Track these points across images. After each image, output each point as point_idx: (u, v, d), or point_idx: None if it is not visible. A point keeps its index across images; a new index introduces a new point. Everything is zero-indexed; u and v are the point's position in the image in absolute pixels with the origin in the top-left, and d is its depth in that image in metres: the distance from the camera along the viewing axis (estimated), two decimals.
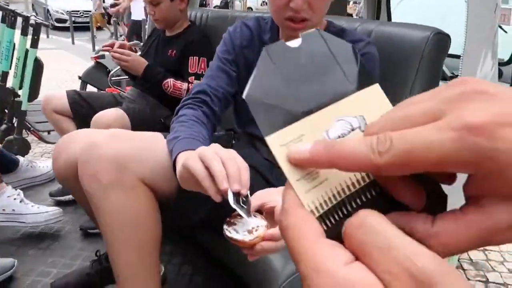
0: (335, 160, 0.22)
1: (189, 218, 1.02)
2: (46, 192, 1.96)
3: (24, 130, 2.80)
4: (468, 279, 1.82)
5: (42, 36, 3.06)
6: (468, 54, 1.07)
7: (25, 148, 2.74)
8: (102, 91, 2.65)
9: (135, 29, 7.43)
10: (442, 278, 0.17)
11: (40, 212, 1.64)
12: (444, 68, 2.29)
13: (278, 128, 0.24)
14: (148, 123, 1.71)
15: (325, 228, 0.23)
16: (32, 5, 13.57)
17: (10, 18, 2.94)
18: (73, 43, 9.20)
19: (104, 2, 11.15)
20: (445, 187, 0.24)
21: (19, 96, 2.80)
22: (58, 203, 1.88)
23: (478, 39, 1.16)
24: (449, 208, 0.23)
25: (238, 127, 1.31)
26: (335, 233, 0.22)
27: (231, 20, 1.76)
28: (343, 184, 0.24)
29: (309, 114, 0.25)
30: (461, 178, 0.22)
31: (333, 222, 0.23)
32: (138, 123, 1.67)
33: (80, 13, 11.87)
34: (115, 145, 0.93)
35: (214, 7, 11.80)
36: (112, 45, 1.77)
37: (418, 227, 0.22)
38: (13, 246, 1.60)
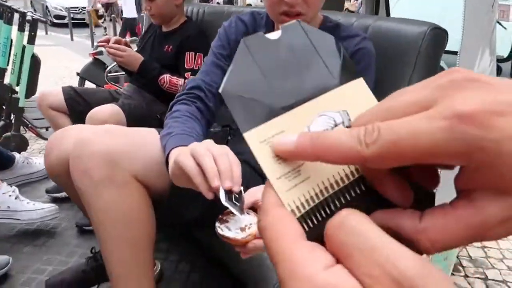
0: (320, 152, 0.21)
1: (182, 215, 1.01)
2: (43, 188, 1.96)
3: (22, 127, 2.79)
4: (467, 276, 1.81)
5: (41, 32, 3.05)
6: (465, 50, 1.06)
7: (23, 145, 2.73)
8: (99, 87, 2.64)
9: (128, 26, 7.42)
10: (424, 281, 0.16)
11: (35, 209, 1.63)
12: (443, 64, 2.28)
13: (256, 124, 0.23)
14: (144, 119, 1.70)
15: (307, 229, 0.22)
16: (31, 1, 13.52)
17: (7, 14, 2.92)
18: (72, 39, 9.18)
19: None
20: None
21: (16, 92, 2.79)
22: (55, 200, 1.88)
23: (476, 35, 1.15)
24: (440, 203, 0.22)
25: (234, 123, 1.30)
26: (317, 234, 0.21)
27: (228, 16, 1.75)
28: (326, 182, 0.23)
29: (290, 109, 0.24)
30: (453, 171, 0.21)
31: (316, 223, 0.22)
32: (134, 119, 1.67)
33: (79, 9, 11.84)
34: (107, 141, 0.92)
35: (217, 3, 11.77)
36: (107, 41, 1.76)
37: (404, 223, 0.21)
38: (8, 243, 1.59)
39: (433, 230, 0.20)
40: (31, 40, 2.70)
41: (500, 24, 2.49)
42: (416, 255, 0.17)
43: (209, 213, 0.81)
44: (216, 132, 1.33)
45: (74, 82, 3.28)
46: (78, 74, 3.14)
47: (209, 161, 0.73)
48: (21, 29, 2.78)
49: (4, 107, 2.90)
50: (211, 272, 1.44)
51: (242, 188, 0.75)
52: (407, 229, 0.20)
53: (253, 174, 0.97)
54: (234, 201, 0.73)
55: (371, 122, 0.20)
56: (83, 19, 11.08)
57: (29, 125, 2.83)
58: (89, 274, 1.32)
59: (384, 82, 1.13)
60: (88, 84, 3.08)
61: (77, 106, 1.86)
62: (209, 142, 0.79)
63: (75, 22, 10.47)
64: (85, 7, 11.05)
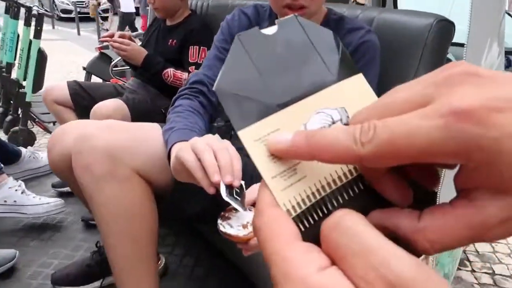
0: (316, 151, 0.20)
1: (184, 210, 1.01)
2: (49, 183, 1.98)
3: (29, 121, 2.81)
4: (474, 271, 1.80)
5: (48, 27, 3.06)
6: (472, 42, 1.03)
7: (30, 139, 2.76)
8: (106, 82, 2.65)
9: (125, 20, 7.43)
10: (420, 285, 0.16)
11: (41, 203, 1.64)
12: (451, 57, 2.25)
13: (251, 122, 0.23)
14: (149, 114, 1.70)
15: (303, 229, 0.21)
16: None
17: (13, 9, 2.94)
18: (78, 33, 9.22)
19: None
20: None
21: (23, 87, 2.81)
22: (60, 194, 1.89)
23: (483, 26, 1.12)
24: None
25: None
26: (314, 234, 0.20)
27: (232, 9, 1.72)
28: (323, 181, 0.22)
29: (286, 106, 0.24)
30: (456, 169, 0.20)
31: (312, 223, 0.21)
32: (138, 114, 1.67)
33: (86, 3, 11.88)
34: (109, 136, 0.92)
35: None
36: (111, 35, 1.76)
37: (402, 223, 0.20)
38: (15, 237, 1.61)
39: (431, 230, 0.19)
40: (37, 34, 2.71)
41: (509, 14, 2.44)
42: (412, 257, 0.17)
43: (211, 209, 0.81)
44: (220, 127, 1.33)
45: (81, 76, 3.29)
46: (84, 68, 3.15)
47: (209, 156, 0.73)
48: (27, 23, 2.79)
49: (12, 101, 2.93)
50: (216, 266, 1.45)
51: (243, 182, 0.74)
52: (405, 229, 0.20)
53: (257, 169, 0.97)
54: (235, 195, 0.72)
55: (368, 119, 0.20)
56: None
57: (36, 120, 2.85)
58: (93, 269, 1.33)
59: (389, 76, 1.11)
60: (95, 79, 3.10)
61: (82, 101, 1.87)
62: (210, 137, 0.79)
63: (82, 16, 10.52)
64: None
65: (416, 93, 0.19)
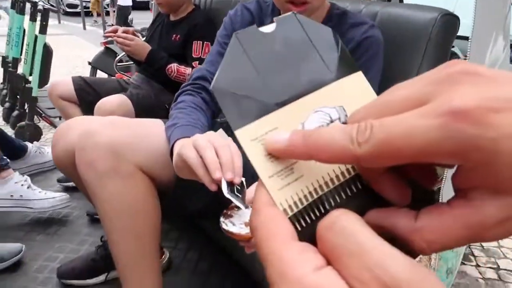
0: (313, 151, 0.20)
1: (186, 207, 1.02)
2: (54, 178, 1.99)
3: (35, 116, 2.82)
4: (479, 266, 1.79)
5: (54, 21, 3.06)
6: (477, 35, 1.02)
7: (36, 134, 2.78)
8: (111, 77, 2.65)
9: (122, 14, 7.40)
10: (415, 286, 0.16)
11: (47, 197, 1.66)
12: (457, 50, 2.23)
13: (249, 121, 0.23)
14: (152, 109, 1.70)
15: (299, 228, 0.21)
16: None
17: (19, 4, 2.95)
18: (84, 28, 9.23)
19: None
20: None
21: (29, 82, 2.83)
22: (66, 189, 1.91)
23: (488, 18, 1.11)
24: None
25: None
26: (310, 234, 0.20)
27: (235, 3, 1.72)
28: (320, 181, 0.22)
29: (284, 105, 0.23)
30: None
31: (309, 222, 0.21)
32: (142, 109, 1.67)
33: None
34: (112, 132, 0.92)
35: None
36: (115, 31, 1.76)
37: (399, 222, 0.20)
38: (21, 231, 1.63)
39: (429, 230, 0.19)
40: (43, 30, 2.72)
41: None
42: (407, 258, 0.17)
43: (213, 206, 0.81)
44: (223, 122, 1.33)
45: (87, 71, 3.30)
46: (90, 63, 3.16)
47: (210, 153, 0.73)
48: (32, 18, 2.80)
49: (18, 96, 2.95)
50: (219, 261, 1.46)
51: (243, 179, 0.74)
52: (402, 228, 0.20)
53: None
54: (236, 193, 0.73)
55: (366, 118, 0.19)
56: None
57: (43, 115, 2.87)
58: (98, 263, 1.34)
59: (393, 71, 1.10)
60: (100, 73, 3.11)
61: (86, 96, 1.87)
62: (211, 134, 0.79)
63: (88, 10, 10.52)
64: None
65: (416, 92, 0.19)
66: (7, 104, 3.14)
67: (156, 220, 0.99)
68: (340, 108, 0.24)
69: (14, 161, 1.93)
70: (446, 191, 0.89)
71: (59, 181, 1.96)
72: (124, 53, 2.09)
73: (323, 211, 0.22)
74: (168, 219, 1.03)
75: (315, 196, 0.22)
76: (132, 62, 2.28)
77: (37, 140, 2.70)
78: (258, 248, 0.20)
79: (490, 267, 1.79)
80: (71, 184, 1.91)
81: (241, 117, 0.23)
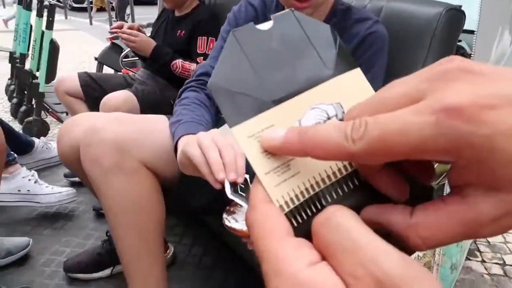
0: (308, 148, 0.20)
1: (189, 203, 1.02)
2: (61, 173, 2.01)
3: (43, 112, 2.84)
4: (484, 261, 1.78)
5: (60, 17, 3.07)
6: (482, 29, 1.01)
7: (44, 129, 2.79)
8: (118, 72, 2.66)
9: (124, 7, 7.35)
10: (408, 282, 0.16)
11: (53, 192, 1.68)
12: (464, 45, 2.20)
13: (245, 118, 0.23)
14: (158, 105, 1.70)
15: (295, 224, 0.21)
16: None
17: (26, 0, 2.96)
18: (91, 23, 9.23)
19: None
20: None
21: (37, 78, 2.84)
22: (72, 184, 1.92)
23: (494, 12, 1.09)
24: None
25: None
26: (306, 230, 0.20)
27: None
28: (317, 177, 0.22)
29: (281, 102, 0.23)
30: None
31: (305, 218, 0.21)
32: (147, 105, 1.68)
33: None
34: (116, 128, 0.93)
35: None
36: (120, 27, 1.76)
37: (394, 218, 0.20)
38: (29, 225, 1.65)
39: (423, 226, 0.19)
40: (49, 25, 2.73)
41: None
42: (401, 254, 0.17)
43: (216, 202, 0.82)
44: None
45: (93, 66, 3.31)
46: (96, 58, 3.17)
47: (214, 154, 0.73)
48: (39, 14, 2.81)
49: (25, 92, 2.97)
50: (223, 256, 1.46)
51: (247, 176, 0.74)
52: (398, 225, 0.20)
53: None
54: (239, 191, 0.73)
55: (361, 115, 0.19)
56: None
57: (50, 110, 2.88)
58: (104, 257, 1.36)
59: (397, 67, 1.09)
60: (107, 69, 3.11)
61: (92, 92, 1.88)
62: (215, 133, 0.79)
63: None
64: None
65: (411, 88, 0.19)
66: (14, 100, 3.16)
67: (160, 216, 1.00)
68: (337, 105, 0.24)
69: (21, 156, 1.95)
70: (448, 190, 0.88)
71: (65, 176, 1.97)
72: (129, 49, 2.10)
73: (319, 207, 0.22)
74: (170, 215, 1.03)
75: (312, 193, 0.22)
76: (137, 58, 2.29)
77: (45, 135, 2.72)
78: (254, 245, 0.20)
79: (496, 263, 1.78)
80: (77, 179, 1.92)
81: (237, 114, 0.23)
